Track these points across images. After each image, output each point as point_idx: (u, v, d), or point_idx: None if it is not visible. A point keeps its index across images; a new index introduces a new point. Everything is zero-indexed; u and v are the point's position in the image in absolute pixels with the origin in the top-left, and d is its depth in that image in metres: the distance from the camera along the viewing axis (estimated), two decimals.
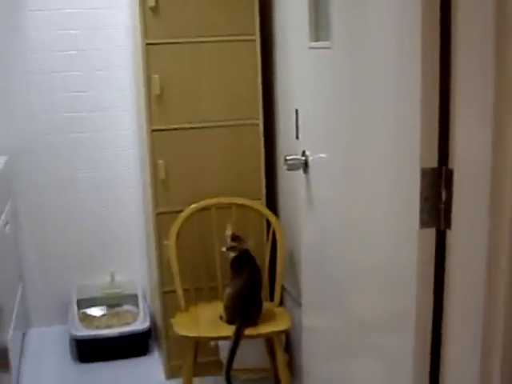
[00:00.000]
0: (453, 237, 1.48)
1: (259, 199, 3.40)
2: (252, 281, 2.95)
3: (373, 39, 1.77)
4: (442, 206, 1.50)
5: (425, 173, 1.50)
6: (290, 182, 3.21)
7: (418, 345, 1.60)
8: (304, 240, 2.56)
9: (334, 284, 2.22)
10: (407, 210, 1.57)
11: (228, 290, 2.95)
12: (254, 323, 2.90)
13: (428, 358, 1.59)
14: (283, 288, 3.31)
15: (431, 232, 1.53)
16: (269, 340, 3.06)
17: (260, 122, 3.36)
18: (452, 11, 1.40)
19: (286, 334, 3.32)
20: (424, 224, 1.53)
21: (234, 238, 2.97)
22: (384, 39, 1.71)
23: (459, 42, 1.40)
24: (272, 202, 3.52)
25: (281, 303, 3.22)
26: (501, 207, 1.33)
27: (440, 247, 1.53)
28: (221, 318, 2.98)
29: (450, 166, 1.46)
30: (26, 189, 4.01)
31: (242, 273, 2.94)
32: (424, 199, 1.51)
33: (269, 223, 3.26)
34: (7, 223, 3.55)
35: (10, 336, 3.24)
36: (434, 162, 1.50)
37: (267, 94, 3.43)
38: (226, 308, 2.94)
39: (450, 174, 1.46)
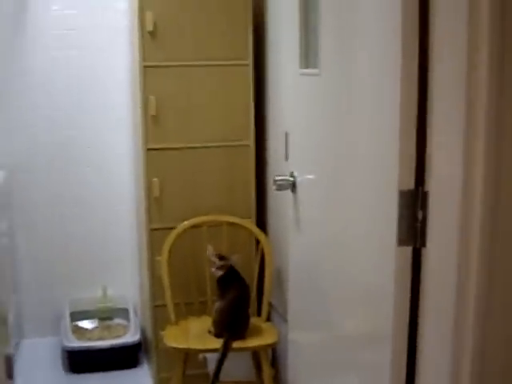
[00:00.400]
0: (427, 254, 1.60)
1: (249, 218, 3.51)
2: (240, 296, 3.06)
3: (356, 70, 1.91)
4: (419, 225, 1.61)
5: (402, 194, 1.62)
6: (279, 202, 3.32)
7: (395, 359, 1.70)
8: (292, 257, 2.67)
9: (319, 300, 2.32)
10: (385, 228, 1.69)
11: (217, 305, 3.06)
12: (241, 337, 3.00)
13: (404, 372, 1.70)
14: (271, 304, 3.42)
15: (407, 250, 1.65)
16: (255, 354, 3.17)
17: (251, 143, 3.49)
18: (429, 50, 1.53)
19: (273, 348, 3.43)
20: (401, 242, 1.64)
21: (221, 257, 3.09)
22: (365, 71, 1.85)
23: (435, 80, 1.52)
24: (262, 221, 3.64)
25: (268, 319, 3.33)
26: (471, 227, 1.44)
27: (416, 264, 1.66)
28: (209, 331, 3.08)
29: (426, 189, 1.59)
30: (23, 203, 4.11)
31: (230, 289, 3.06)
32: (401, 219, 1.63)
33: (258, 241, 3.37)
34: (3, 236, 3.65)
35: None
36: (410, 185, 1.62)
37: (259, 116, 3.56)
38: (215, 322, 3.05)
39: (425, 196, 1.58)
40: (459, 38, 1.40)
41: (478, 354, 1.47)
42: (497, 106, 1.38)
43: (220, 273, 3.06)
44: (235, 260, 3.10)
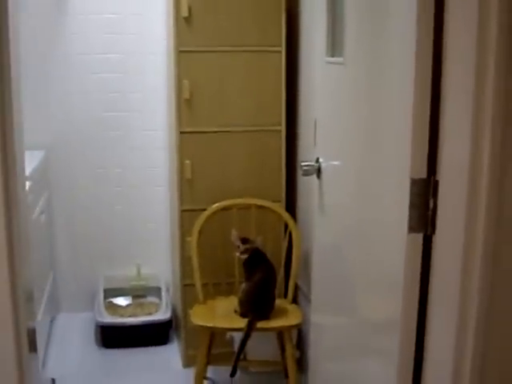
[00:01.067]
0: (436, 240, 1.65)
1: (279, 201, 3.58)
2: (266, 278, 3.13)
3: (375, 60, 1.96)
4: (430, 213, 1.66)
5: (414, 182, 1.67)
6: (309, 186, 3.37)
7: (403, 344, 1.75)
8: (315, 241, 2.73)
9: (339, 284, 2.38)
10: (397, 216, 1.74)
11: (243, 286, 3.14)
12: (266, 317, 3.07)
13: (412, 356, 1.74)
14: (298, 287, 3.49)
15: (418, 237, 1.70)
16: (280, 334, 3.24)
17: (283, 128, 3.55)
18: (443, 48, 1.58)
19: (299, 331, 3.50)
20: (412, 229, 1.69)
21: (244, 240, 3.16)
22: (382, 62, 1.90)
23: (448, 74, 1.57)
24: (291, 204, 3.70)
25: (294, 301, 3.40)
26: (476, 215, 1.49)
27: (427, 251, 1.71)
28: (235, 311, 3.16)
29: (437, 178, 1.63)
30: (61, 182, 4.24)
31: (256, 271, 3.13)
32: (412, 206, 1.68)
33: (287, 224, 3.44)
34: (42, 213, 3.77)
35: (38, 320, 3.44)
36: (423, 173, 1.67)
37: (291, 102, 3.61)
38: (241, 302, 3.13)
39: (436, 185, 1.63)
40: (470, 32, 1.44)
41: (482, 340, 1.52)
42: (506, 98, 1.43)
43: (245, 256, 3.14)
44: (259, 242, 3.17)
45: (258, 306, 3.08)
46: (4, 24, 1.42)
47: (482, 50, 1.43)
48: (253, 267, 3.15)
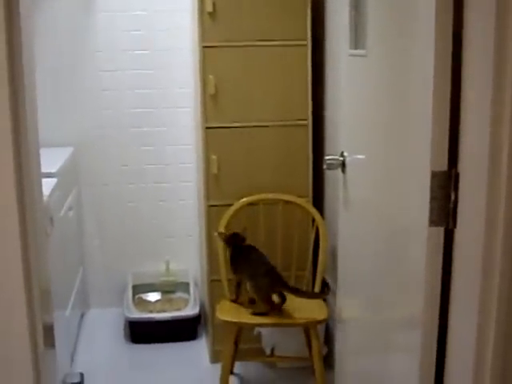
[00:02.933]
0: (458, 234, 1.62)
1: (306, 196, 3.56)
2: (262, 261, 3.17)
3: (396, 53, 1.94)
4: (451, 206, 1.63)
5: (435, 175, 1.64)
6: (336, 181, 3.35)
7: (426, 339, 1.73)
8: (340, 236, 2.71)
9: (364, 279, 2.36)
10: (419, 209, 1.71)
11: (250, 284, 3.12)
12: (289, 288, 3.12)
13: (434, 353, 1.71)
14: (326, 282, 3.47)
15: (439, 231, 1.67)
16: (307, 330, 3.22)
17: (309, 123, 3.52)
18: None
19: (326, 326, 3.48)
20: (433, 223, 1.67)
21: (227, 239, 3.22)
22: (402, 55, 1.88)
23: (467, 68, 1.55)
24: (319, 199, 3.68)
25: None
26: (496, 209, 1.46)
27: (449, 244, 1.68)
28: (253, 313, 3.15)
29: (458, 170, 1.60)
30: (90, 178, 4.27)
31: (250, 264, 3.16)
32: (433, 199, 1.65)
33: (314, 219, 3.42)
34: (71, 209, 3.80)
35: (68, 315, 3.48)
36: (443, 166, 1.64)
37: (317, 96, 3.59)
38: (259, 294, 3.09)
39: (457, 177, 1.60)
40: (490, 29, 1.42)
41: (503, 338, 1.49)
42: None
43: (221, 241, 3.22)
44: (242, 232, 3.20)
45: (278, 279, 3.10)
46: (16, 18, 1.43)
47: (500, 43, 1.40)
48: (242, 259, 3.19)
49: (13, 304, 1.43)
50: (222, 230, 3.27)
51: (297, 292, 3.09)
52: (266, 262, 3.15)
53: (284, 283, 3.10)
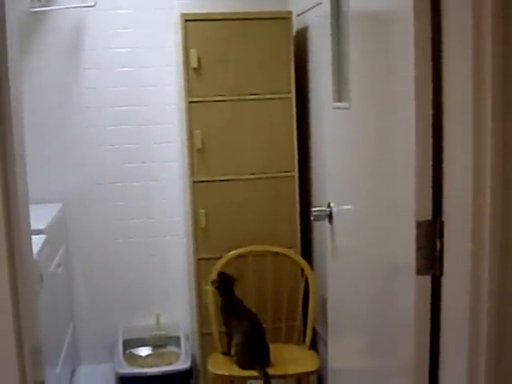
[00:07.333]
0: (445, 282, 1.64)
1: (294, 247, 3.58)
2: (254, 324, 3.17)
3: (377, 106, 1.98)
4: (437, 254, 1.66)
5: (419, 224, 1.67)
6: (324, 231, 3.37)
7: None
8: (330, 285, 2.72)
9: (354, 328, 2.37)
10: (405, 259, 1.74)
11: (235, 340, 3.14)
12: (269, 363, 3.07)
13: None
14: (317, 332, 3.46)
15: (427, 279, 1.69)
16: (299, 381, 3.21)
17: (295, 174, 3.57)
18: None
19: (319, 376, 3.47)
20: (420, 271, 1.69)
21: (218, 283, 3.25)
22: (383, 108, 1.92)
23: (448, 117, 1.59)
24: (307, 249, 3.69)
25: (314, 347, 3.37)
26: (481, 256, 1.49)
27: (437, 291, 1.70)
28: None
29: (443, 218, 1.63)
30: (79, 234, 4.27)
31: (239, 318, 3.17)
32: (419, 248, 1.68)
33: (303, 270, 3.43)
34: (60, 265, 3.79)
35: (59, 371, 3.45)
36: (428, 215, 1.67)
37: (303, 146, 3.64)
38: (239, 355, 3.12)
39: (442, 225, 1.63)
40: (467, 81, 1.46)
41: (494, 360, 1.50)
42: (503, 138, 1.44)
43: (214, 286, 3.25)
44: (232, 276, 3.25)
45: (259, 353, 3.07)
46: (4, 74, 1.45)
47: (478, 91, 1.45)
48: (233, 313, 3.21)
49: (4, 362, 1.43)
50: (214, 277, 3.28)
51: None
52: (255, 323, 3.18)
53: (263, 358, 3.11)
